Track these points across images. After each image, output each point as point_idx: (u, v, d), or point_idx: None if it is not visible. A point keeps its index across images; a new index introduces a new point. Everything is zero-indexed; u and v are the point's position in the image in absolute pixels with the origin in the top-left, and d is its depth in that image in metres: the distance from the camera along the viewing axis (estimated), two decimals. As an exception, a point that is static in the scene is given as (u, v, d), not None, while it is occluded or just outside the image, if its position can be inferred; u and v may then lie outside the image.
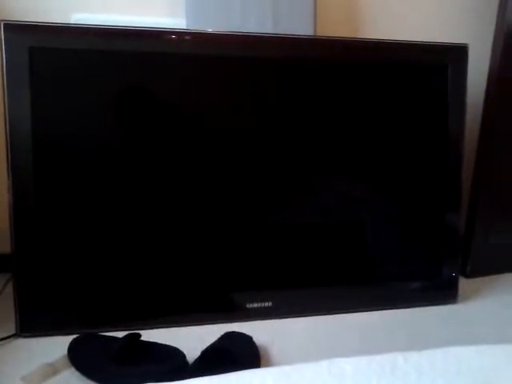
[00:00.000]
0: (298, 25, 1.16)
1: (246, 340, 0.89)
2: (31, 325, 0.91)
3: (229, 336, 0.89)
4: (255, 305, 1.00)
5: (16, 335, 0.91)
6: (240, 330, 0.91)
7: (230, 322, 0.97)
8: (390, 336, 0.97)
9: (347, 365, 0.60)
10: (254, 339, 0.89)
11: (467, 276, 1.24)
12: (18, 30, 0.87)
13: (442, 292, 1.12)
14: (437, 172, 1.09)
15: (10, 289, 0.95)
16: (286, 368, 0.60)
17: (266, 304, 1.01)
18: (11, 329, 0.91)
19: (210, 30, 0.97)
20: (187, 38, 0.97)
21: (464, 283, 1.17)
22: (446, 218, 1.10)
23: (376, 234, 1.09)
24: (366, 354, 0.68)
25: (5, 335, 0.90)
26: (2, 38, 0.85)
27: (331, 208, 1.06)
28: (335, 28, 1.25)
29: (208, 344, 0.85)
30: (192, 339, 0.89)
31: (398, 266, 1.10)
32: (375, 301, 1.07)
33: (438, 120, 1.07)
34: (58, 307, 0.93)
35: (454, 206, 1.10)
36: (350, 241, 1.08)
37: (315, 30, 1.18)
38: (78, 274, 0.94)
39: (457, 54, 1.06)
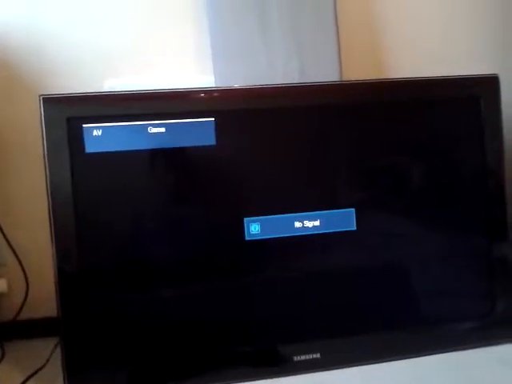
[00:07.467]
0: (324, 69, 1.18)
1: (296, 396, 0.86)
2: (80, 389, 0.92)
3: (279, 392, 0.87)
4: (302, 357, 0.97)
5: (66, 400, 0.91)
6: (289, 385, 0.89)
7: (277, 377, 0.94)
8: (449, 382, 0.92)
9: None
10: (305, 394, 0.87)
11: (524, 310, 1.18)
12: (55, 103, 0.91)
13: (498, 330, 1.05)
14: (480, 204, 1.06)
15: (58, 353, 0.95)
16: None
17: (314, 355, 0.97)
18: (60, 394, 0.92)
19: (238, 86, 1.01)
20: (218, 95, 1.00)
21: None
22: (493, 250, 1.06)
23: (421, 273, 1.05)
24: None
25: (54, 401, 0.91)
26: (42, 111, 0.89)
27: (373, 247, 1.03)
28: (360, 67, 1.26)
29: (257, 401, 0.84)
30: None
31: (449, 304, 1.05)
32: (427, 344, 1.02)
33: (476, 152, 1.05)
34: (107, 369, 0.93)
35: (500, 235, 1.06)
36: (395, 282, 1.05)
37: (341, 72, 1.20)
38: (125, 336, 0.94)
39: (488, 85, 1.04)
